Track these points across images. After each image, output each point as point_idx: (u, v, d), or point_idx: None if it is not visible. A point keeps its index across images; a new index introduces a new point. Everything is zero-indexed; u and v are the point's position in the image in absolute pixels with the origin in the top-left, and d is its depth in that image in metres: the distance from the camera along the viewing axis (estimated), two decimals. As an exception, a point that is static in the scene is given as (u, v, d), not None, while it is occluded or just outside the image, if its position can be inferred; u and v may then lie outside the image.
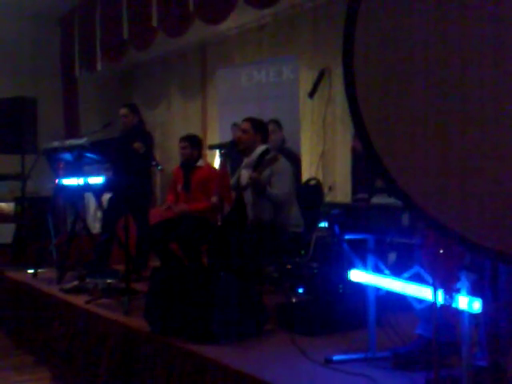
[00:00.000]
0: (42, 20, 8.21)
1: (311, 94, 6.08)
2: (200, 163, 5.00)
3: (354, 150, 5.53)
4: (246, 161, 4.41)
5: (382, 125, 2.11)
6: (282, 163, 4.21)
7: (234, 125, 5.91)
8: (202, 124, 8.16)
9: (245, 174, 4.38)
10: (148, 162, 5.18)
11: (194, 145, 4.99)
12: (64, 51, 8.39)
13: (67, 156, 5.06)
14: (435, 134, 1.94)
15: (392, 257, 3.65)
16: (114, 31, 7.02)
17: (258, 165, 4.16)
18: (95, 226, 6.29)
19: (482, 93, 1.78)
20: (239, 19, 6.68)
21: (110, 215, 5.27)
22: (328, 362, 2.78)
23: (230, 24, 6.65)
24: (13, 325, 5.21)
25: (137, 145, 5.01)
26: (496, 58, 1.73)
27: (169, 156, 5.58)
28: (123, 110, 5.42)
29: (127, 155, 5.16)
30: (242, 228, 4.19)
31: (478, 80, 1.79)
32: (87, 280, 4.74)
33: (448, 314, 2.19)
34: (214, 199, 4.50)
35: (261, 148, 4.32)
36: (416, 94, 1.97)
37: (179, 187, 5.04)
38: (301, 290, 4.08)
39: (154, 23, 6.35)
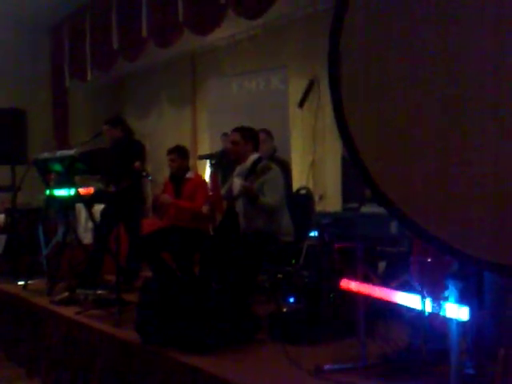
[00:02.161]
0: (31, 30, 8.22)
1: (301, 104, 6.13)
2: (189, 175, 5.00)
3: (344, 159, 5.57)
4: (239, 169, 4.42)
5: (368, 134, 2.13)
6: (275, 172, 4.23)
7: (224, 135, 5.93)
8: (192, 134, 8.19)
9: (237, 183, 4.38)
10: (139, 173, 5.19)
11: (182, 156, 5.00)
12: (54, 61, 8.40)
13: (58, 167, 5.06)
14: (422, 143, 1.96)
15: (382, 265, 3.68)
16: (104, 41, 7.05)
17: (251, 173, 4.17)
18: (86, 237, 6.28)
19: (479, 102, 1.81)
20: (229, 29, 6.71)
21: (102, 226, 5.26)
22: (319, 371, 2.78)
23: (219, 34, 6.68)
24: (4, 337, 5.18)
25: (137, 164, 5.05)
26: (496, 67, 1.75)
27: (159, 166, 5.61)
28: (104, 128, 5.44)
29: (118, 166, 5.17)
30: (233, 237, 4.19)
31: (472, 86, 1.82)
32: (78, 291, 4.72)
33: (436, 321, 2.21)
34: (205, 209, 4.50)
35: (253, 156, 4.32)
36: (400, 103, 1.99)
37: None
38: (292, 300, 4.10)
39: (144, 33, 6.38)
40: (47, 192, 5.41)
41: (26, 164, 6.02)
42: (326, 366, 2.80)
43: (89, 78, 7.55)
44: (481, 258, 1.83)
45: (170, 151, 4.99)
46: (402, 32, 1.97)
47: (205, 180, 5.28)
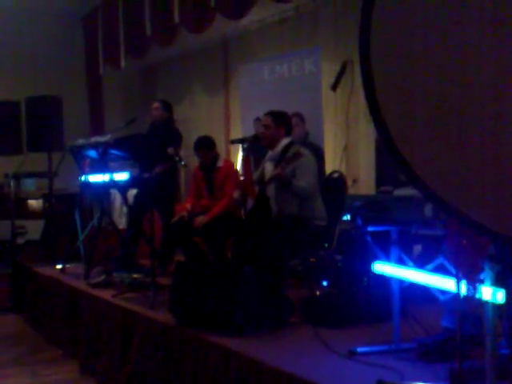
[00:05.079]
0: (65, 19, 8.33)
1: (334, 87, 6.07)
2: (219, 163, 5.02)
3: (378, 143, 5.51)
4: (271, 154, 4.42)
5: (401, 116, 2.10)
6: (307, 157, 4.21)
7: (257, 119, 5.92)
8: (225, 119, 8.19)
9: (269, 167, 4.39)
10: (173, 158, 5.23)
11: (211, 147, 5.01)
12: (88, 49, 8.49)
13: (92, 153, 5.13)
14: (454, 124, 1.92)
15: (417, 249, 3.64)
16: (137, 28, 7.08)
17: (282, 159, 4.16)
18: (121, 222, 6.36)
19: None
20: (260, 13, 6.67)
21: (136, 211, 5.33)
22: (352, 353, 2.78)
23: (251, 18, 6.64)
24: (42, 319, 5.31)
25: (170, 150, 5.11)
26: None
27: (192, 152, 5.65)
28: (155, 104, 5.64)
29: (153, 151, 5.24)
30: (265, 222, 4.20)
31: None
32: (114, 275, 4.81)
33: (472, 305, 2.18)
34: (237, 194, 4.51)
35: (284, 141, 4.31)
36: (435, 84, 1.95)
37: (203, 190, 5.07)
38: (325, 283, 4.09)
39: (176, 20, 6.39)
40: (83, 178, 5.50)
41: (63, 150, 6.12)
42: (360, 349, 2.79)
43: (122, 65, 7.60)
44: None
45: (199, 147, 4.98)
46: (432, 9, 1.93)
47: (234, 166, 5.30)
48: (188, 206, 5.01)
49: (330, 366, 2.68)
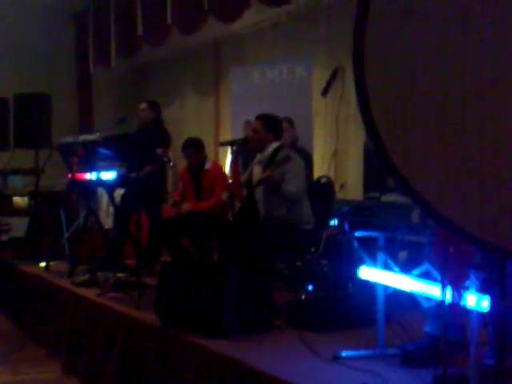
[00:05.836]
0: (57, 16, 8.30)
1: (324, 93, 6.10)
2: (207, 165, 5.01)
3: (366, 148, 5.53)
4: (259, 157, 4.42)
5: (392, 122, 2.11)
6: (296, 161, 4.22)
7: (247, 122, 5.93)
8: (215, 122, 8.19)
9: (257, 170, 4.39)
10: (161, 158, 5.22)
11: (199, 149, 5.01)
12: (79, 47, 8.47)
13: (80, 151, 5.10)
14: (442, 132, 1.94)
15: (403, 255, 3.65)
16: (129, 28, 7.09)
17: (270, 163, 4.17)
18: (107, 221, 6.33)
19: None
20: (253, 17, 6.69)
21: (122, 211, 5.31)
22: (336, 358, 2.78)
23: (244, 22, 6.66)
24: (25, 317, 5.26)
25: (159, 151, 5.09)
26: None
27: (180, 153, 5.64)
28: (142, 105, 5.58)
29: (141, 151, 5.22)
30: (253, 224, 4.20)
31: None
32: (98, 274, 4.77)
33: (456, 312, 2.20)
34: (224, 196, 4.51)
35: (273, 146, 4.32)
36: (428, 92, 1.97)
37: (189, 192, 5.07)
38: (310, 287, 4.10)
39: (169, 20, 6.40)
40: (70, 176, 5.47)
41: (50, 148, 6.09)
42: (344, 353, 2.79)
43: (113, 64, 7.60)
44: (503, 246, 1.81)
45: (186, 148, 4.98)
46: (426, 18, 1.95)
47: (222, 168, 5.30)
48: (177, 197, 5.06)
49: (315, 370, 2.68)
